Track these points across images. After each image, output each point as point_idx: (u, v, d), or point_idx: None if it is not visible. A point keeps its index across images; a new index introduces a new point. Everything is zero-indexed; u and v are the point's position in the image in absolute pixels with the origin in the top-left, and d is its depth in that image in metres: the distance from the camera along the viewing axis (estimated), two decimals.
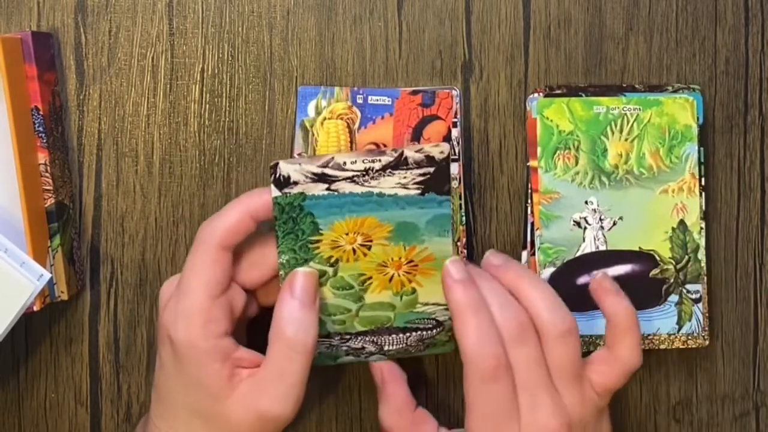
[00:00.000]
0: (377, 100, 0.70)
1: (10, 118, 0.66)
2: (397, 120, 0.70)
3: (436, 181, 0.64)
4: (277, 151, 0.72)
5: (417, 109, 0.70)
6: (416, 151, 0.63)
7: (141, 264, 0.72)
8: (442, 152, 0.64)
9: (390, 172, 0.63)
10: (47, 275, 0.65)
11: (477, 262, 0.72)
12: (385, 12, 0.72)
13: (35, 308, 0.67)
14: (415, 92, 0.70)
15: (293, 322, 0.63)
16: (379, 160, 0.63)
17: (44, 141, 0.69)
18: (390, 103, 0.70)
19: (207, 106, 0.72)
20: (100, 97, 0.72)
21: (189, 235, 0.72)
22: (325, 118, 0.70)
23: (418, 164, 0.64)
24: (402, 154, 0.63)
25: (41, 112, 0.68)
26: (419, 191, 0.64)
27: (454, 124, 0.70)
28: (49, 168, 0.69)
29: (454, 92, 0.70)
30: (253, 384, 0.63)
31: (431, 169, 0.64)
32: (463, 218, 0.71)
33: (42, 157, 0.69)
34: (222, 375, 0.63)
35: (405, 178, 0.64)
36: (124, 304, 0.73)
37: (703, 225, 0.71)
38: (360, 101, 0.70)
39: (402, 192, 0.64)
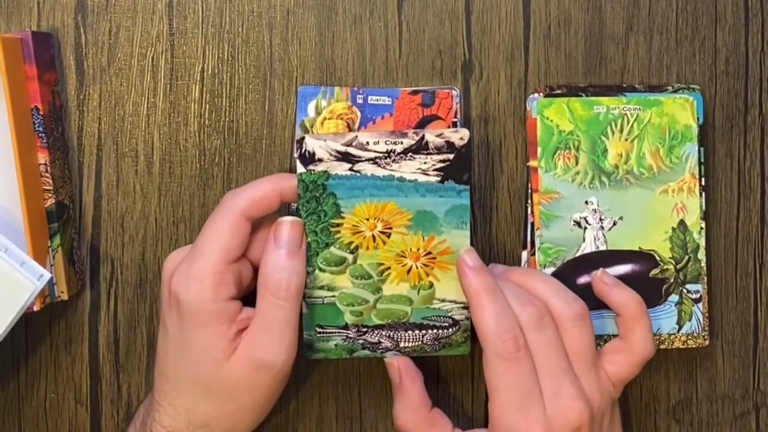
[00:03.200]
0: (377, 100, 0.70)
1: (10, 118, 0.66)
2: (397, 120, 0.70)
3: (455, 169, 0.66)
4: (277, 151, 0.72)
5: (417, 109, 0.70)
6: (437, 136, 0.65)
7: (141, 264, 0.72)
8: (462, 138, 0.65)
9: (411, 156, 0.65)
10: (47, 275, 0.65)
11: None
12: (385, 12, 0.72)
13: (35, 308, 0.67)
14: (415, 92, 0.70)
15: (279, 270, 0.64)
16: (401, 143, 0.65)
17: (44, 141, 0.69)
18: (390, 103, 0.70)
19: (207, 106, 0.72)
20: (100, 97, 0.72)
21: (189, 235, 0.72)
22: (325, 118, 0.70)
23: (439, 149, 0.65)
24: (423, 137, 0.65)
25: (41, 112, 0.68)
26: (439, 178, 0.65)
27: (454, 124, 0.70)
28: (49, 168, 0.69)
29: (454, 92, 0.70)
30: (246, 337, 0.64)
31: (451, 156, 0.65)
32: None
33: (42, 157, 0.69)
34: (227, 336, 0.64)
35: (425, 163, 0.65)
36: (124, 304, 0.73)
37: (703, 225, 0.71)
38: (360, 101, 0.70)
39: (422, 178, 0.65)
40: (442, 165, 0.66)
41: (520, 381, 0.64)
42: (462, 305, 0.67)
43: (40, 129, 0.68)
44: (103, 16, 0.72)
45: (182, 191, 0.72)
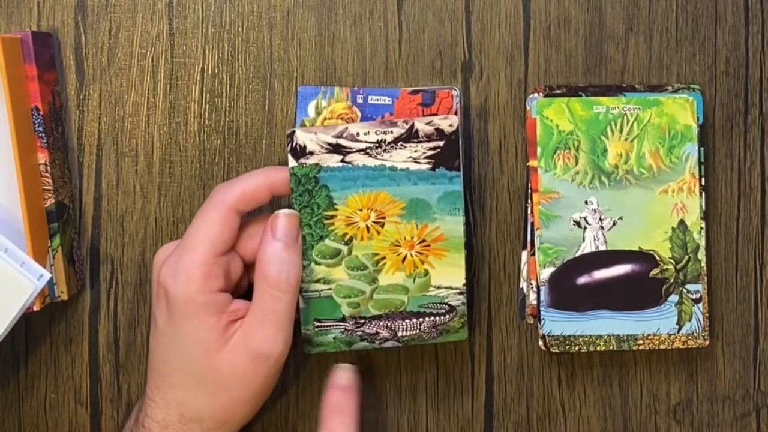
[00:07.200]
0: (377, 99, 0.70)
1: (10, 118, 0.66)
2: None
3: (446, 156, 0.66)
4: (277, 151, 0.72)
5: (417, 108, 0.69)
6: (426, 124, 0.66)
7: (141, 264, 0.72)
8: (451, 125, 0.66)
9: (401, 145, 0.66)
10: (47, 275, 0.65)
11: (477, 262, 0.72)
12: (385, 12, 0.72)
13: (35, 308, 0.67)
14: (415, 92, 0.70)
15: (277, 262, 0.64)
16: (391, 132, 0.66)
17: (44, 141, 0.69)
18: (390, 103, 0.70)
19: (207, 106, 0.72)
20: (100, 97, 0.72)
21: None
22: (325, 118, 0.70)
23: (429, 137, 0.66)
24: (413, 126, 0.66)
25: (41, 112, 0.68)
26: (430, 166, 0.66)
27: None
28: (49, 168, 0.69)
29: (454, 92, 0.70)
30: (243, 328, 0.65)
31: (441, 143, 0.66)
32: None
33: (42, 157, 0.69)
34: (217, 328, 0.64)
35: (416, 151, 0.66)
36: (124, 304, 0.73)
37: (703, 225, 0.71)
38: (360, 101, 0.70)
39: (414, 166, 0.66)
40: (432, 152, 0.66)
41: None
42: (458, 291, 0.68)
43: (40, 129, 0.69)
44: (103, 16, 0.72)
45: (182, 191, 0.72)
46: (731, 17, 0.73)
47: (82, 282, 0.72)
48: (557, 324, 0.70)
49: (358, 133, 0.66)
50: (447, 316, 0.68)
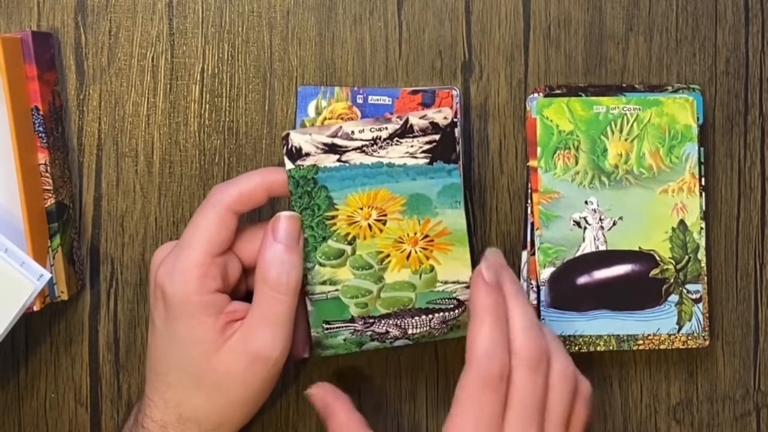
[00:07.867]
0: (377, 99, 0.70)
1: (10, 118, 0.66)
2: None
3: (442, 149, 0.66)
4: (277, 151, 0.72)
5: (417, 108, 0.70)
6: (420, 118, 0.66)
7: (141, 264, 0.72)
8: (445, 118, 0.66)
9: (397, 140, 0.66)
10: (47, 275, 0.65)
11: (478, 262, 0.72)
12: (385, 12, 0.72)
13: (35, 308, 0.67)
14: (415, 92, 0.70)
15: (277, 264, 0.64)
16: (386, 128, 0.65)
17: (44, 141, 0.69)
18: (390, 103, 0.70)
19: (207, 106, 0.72)
20: (100, 97, 0.72)
21: None
22: (325, 118, 0.70)
23: (424, 131, 0.66)
24: (407, 121, 0.65)
25: (41, 112, 0.68)
26: (427, 160, 0.66)
27: (454, 125, 0.70)
28: (49, 168, 0.69)
29: (454, 92, 0.70)
30: (242, 329, 0.64)
31: (437, 137, 0.66)
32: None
33: (42, 157, 0.69)
34: (215, 328, 0.64)
35: (412, 146, 0.66)
36: (124, 304, 0.73)
37: (703, 225, 0.71)
38: (360, 101, 0.70)
39: (411, 162, 0.66)
40: (429, 146, 0.66)
41: (490, 410, 0.62)
42: (465, 285, 0.68)
43: (40, 129, 0.69)
44: (103, 16, 0.72)
45: (182, 191, 0.72)
46: (731, 17, 0.73)
47: (82, 282, 0.72)
48: (557, 324, 0.70)
49: (352, 132, 0.66)
50: (456, 311, 0.68)
